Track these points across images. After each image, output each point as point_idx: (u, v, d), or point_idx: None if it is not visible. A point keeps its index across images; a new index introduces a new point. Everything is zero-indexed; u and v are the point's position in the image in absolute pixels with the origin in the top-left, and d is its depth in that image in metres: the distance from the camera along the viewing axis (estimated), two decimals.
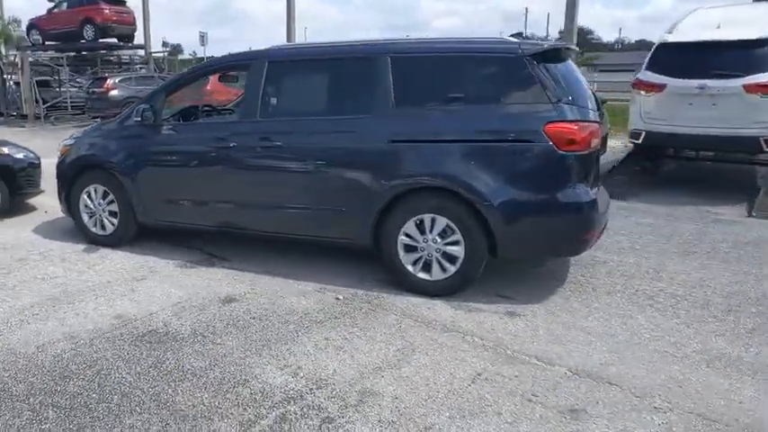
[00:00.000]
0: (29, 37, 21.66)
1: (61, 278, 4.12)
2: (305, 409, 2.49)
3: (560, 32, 23.36)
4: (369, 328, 3.37)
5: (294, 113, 4.17)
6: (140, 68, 21.72)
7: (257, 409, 2.48)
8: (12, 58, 20.31)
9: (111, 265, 4.43)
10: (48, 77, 19.47)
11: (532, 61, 3.56)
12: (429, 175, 3.73)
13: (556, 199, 3.55)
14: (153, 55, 22.94)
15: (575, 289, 4.00)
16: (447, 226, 3.72)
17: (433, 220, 3.76)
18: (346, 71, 4.05)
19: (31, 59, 18.56)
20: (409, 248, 3.86)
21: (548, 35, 47.12)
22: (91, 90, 17.13)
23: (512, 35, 4.19)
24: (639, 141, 7.36)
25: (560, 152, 3.48)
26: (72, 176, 4.94)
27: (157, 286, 3.99)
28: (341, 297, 3.85)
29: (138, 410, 2.45)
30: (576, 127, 3.49)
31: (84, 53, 21.44)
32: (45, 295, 3.78)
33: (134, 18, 21.13)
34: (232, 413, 2.44)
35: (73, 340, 3.12)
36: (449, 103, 3.75)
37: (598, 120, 3.76)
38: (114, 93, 16.34)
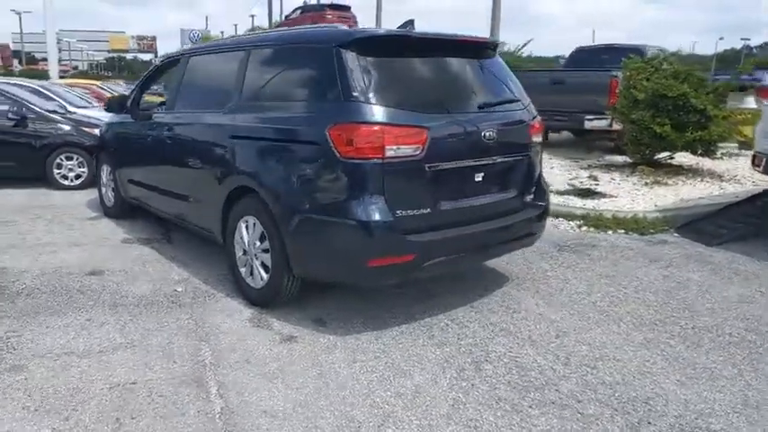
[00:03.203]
0: None
1: (32, 236, 5.21)
2: None
3: None
4: (143, 319, 3.49)
5: (185, 106, 4.44)
6: None
7: None
8: None
9: (81, 234, 5.36)
10: None
11: (343, 53, 3.14)
12: (247, 175, 3.61)
13: (336, 214, 3.08)
14: None
15: (410, 332, 3.38)
16: (263, 231, 3.56)
17: (254, 224, 3.63)
18: (222, 66, 4.15)
19: None
20: (245, 251, 3.79)
21: None
22: None
23: (401, 25, 3.70)
24: (761, 169, 5.44)
25: (342, 159, 3.02)
26: (96, 155, 6.12)
27: (76, 253, 4.73)
28: (180, 290, 4.01)
29: None
30: (361, 130, 2.98)
31: None
32: None
33: (356, 22, 23.65)
34: None
35: None
36: (271, 99, 3.57)
37: (421, 125, 3.10)
38: None
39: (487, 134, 3.36)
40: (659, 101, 7.72)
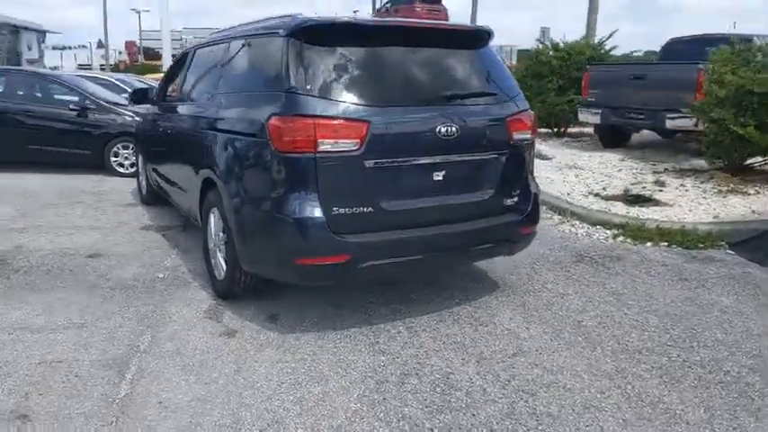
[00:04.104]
0: None
1: (63, 219, 5.70)
2: None
3: None
4: (109, 302, 3.70)
5: (183, 99, 4.62)
6: None
7: None
8: None
9: (107, 219, 5.77)
10: None
11: (289, 41, 3.10)
12: (211, 167, 3.68)
13: (270, 209, 3.06)
14: None
15: (355, 336, 3.28)
16: (225, 224, 3.63)
17: (218, 216, 3.71)
18: (210, 59, 4.26)
19: None
20: (214, 243, 3.88)
21: None
22: None
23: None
24: None
25: (276, 153, 2.99)
26: (134, 144, 6.58)
27: (92, 236, 5.12)
28: (161, 276, 4.20)
29: None
30: (293, 123, 2.92)
31: None
32: (24, 224, 5.40)
33: (446, 15, 23.38)
34: None
35: None
36: (235, 91, 3.63)
37: (361, 118, 2.97)
38: None
39: (444, 129, 3.16)
40: (744, 97, 6.87)
